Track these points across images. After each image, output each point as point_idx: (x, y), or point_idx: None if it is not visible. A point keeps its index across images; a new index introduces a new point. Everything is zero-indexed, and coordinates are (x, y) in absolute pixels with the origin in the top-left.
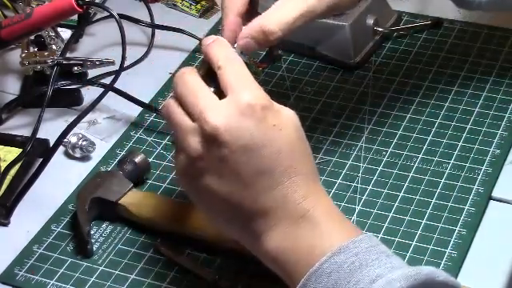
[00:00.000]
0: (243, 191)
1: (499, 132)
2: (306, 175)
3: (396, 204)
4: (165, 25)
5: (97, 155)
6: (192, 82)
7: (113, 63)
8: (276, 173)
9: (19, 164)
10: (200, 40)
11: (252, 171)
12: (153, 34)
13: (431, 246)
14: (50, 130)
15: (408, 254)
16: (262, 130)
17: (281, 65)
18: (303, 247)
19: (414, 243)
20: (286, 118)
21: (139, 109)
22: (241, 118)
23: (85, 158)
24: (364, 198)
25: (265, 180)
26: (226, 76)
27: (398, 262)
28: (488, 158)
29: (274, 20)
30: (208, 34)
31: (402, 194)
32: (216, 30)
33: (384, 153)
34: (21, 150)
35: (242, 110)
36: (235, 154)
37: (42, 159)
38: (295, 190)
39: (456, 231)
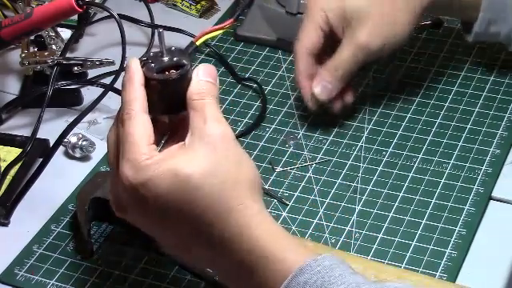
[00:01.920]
0: (182, 244)
1: (499, 132)
2: (226, 213)
3: (396, 204)
4: (165, 25)
5: (97, 155)
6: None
7: (113, 63)
8: (195, 223)
9: (19, 164)
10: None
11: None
12: (153, 34)
13: (431, 246)
14: (50, 130)
15: (408, 254)
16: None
17: (281, 65)
18: (262, 279)
19: (413, 243)
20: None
21: None
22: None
23: (85, 158)
24: (364, 198)
25: (192, 235)
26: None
27: (362, 279)
28: (488, 158)
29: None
30: None
31: (401, 194)
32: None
33: (384, 153)
34: (21, 150)
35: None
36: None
37: (41, 159)
38: (222, 232)
39: (456, 231)
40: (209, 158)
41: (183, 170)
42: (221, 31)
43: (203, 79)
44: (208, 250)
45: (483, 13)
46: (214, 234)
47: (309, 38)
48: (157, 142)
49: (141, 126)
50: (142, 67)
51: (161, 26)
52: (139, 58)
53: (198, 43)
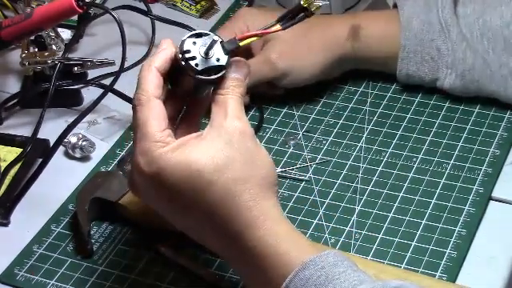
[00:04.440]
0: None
1: (499, 132)
2: (235, 209)
3: (396, 204)
4: (165, 25)
5: (97, 155)
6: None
7: (113, 64)
8: (203, 213)
9: (19, 164)
10: None
11: (174, 213)
12: (153, 34)
13: (431, 246)
14: (50, 130)
15: (408, 254)
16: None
17: None
18: (267, 274)
19: (413, 243)
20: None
21: None
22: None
23: (85, 158)
24: (364, 198)
25: (197, 223)
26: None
27: (364, 276)
28: (488, 159)
29: None
30: None
31: (401, 194)
32: (215, 29)
33: (384, 153)
34: (21, 150)
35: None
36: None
37: (41, 159)
38: (231, 226)
39: (456, 231)
40: (224, 152)
41: (196, 162)
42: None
43: (233, 76)
44: (218, 240)
45: (400, 65)
46: (224, 227)
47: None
48: (175, 116)
49: (152, 113)
50: (183, 61)
51: (161, 18)
52: (182, 50)
53: (241, 44)
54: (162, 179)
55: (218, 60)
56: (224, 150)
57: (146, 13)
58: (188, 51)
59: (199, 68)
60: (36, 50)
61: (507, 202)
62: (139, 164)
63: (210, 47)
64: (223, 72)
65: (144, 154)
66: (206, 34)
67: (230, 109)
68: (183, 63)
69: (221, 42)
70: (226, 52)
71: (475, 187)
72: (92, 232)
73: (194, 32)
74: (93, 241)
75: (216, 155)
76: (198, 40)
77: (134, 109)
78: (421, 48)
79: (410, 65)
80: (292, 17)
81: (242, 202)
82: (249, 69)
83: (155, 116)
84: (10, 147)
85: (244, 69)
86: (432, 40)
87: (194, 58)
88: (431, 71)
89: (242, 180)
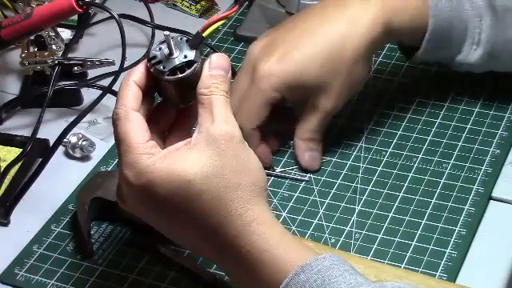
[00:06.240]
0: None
1: (499, 132)
2: (227, 216)
3: (396, 204)
4: (165, 25)
5: (97, 155)
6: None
7: (113, 63)
8: (192, 222)
9: (19, 164)
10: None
11: (165, 224)
12: (153, 35)
13: (431, 246)
14: (50, 130)
15: (408, 254)
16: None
17: None
18: (264, 280)
19: (413, 243)
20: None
21: None
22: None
23: (85, 158)
24: (364, 198)
25: (187, 233)
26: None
27: (362, 279)
28: (488, 158)
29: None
30: None
31: (401, 194)
32: (216, 30)
33: (384, 153)
34: (21, 150)
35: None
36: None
37: (41, 159)
38: (224, 234)
39: (456, 231)
40: (213, 161)
41: (186, 172)
42: (223, 21)
43: (213, 73)
44: (212, 248)
45: (427, 43)
46: (217, 234)
47: (259, 116)
48: (164, 130)
49: (132, 125)
50: (151, 67)
51: (161, 27)
52: (148, 57)
53: (204, 34)
54: (151, 190)
55: (185, 57)
56: (213, 158)
57: (145, 22)
58: (154, 57)
59: (166, 69)
60: (36, 49)
61: (507, 202)
62: (127, 177)
63: (169, 46)
64: (194, 66)
65: (131, 167)
66: (172, 38)
67: (216, 111)
68: (152, 70)
69: (186, 40)
70: (192, 47)
71: (475, 187)
72: (92, 232)
73: (162, 40)
74: (93, 241)
75: (205, 164)
76: (164, 45)
77: (114, 124)
78: (448, 23)
79: (434, 43)
80: None
81: (233, 208)
82: (228, 61)
83: (136, 128)
84: (9, 147)
85: (221, 61)
86: (460, 16)
87: (160, 61)
88: (456, 46)
89: (232, 187)
